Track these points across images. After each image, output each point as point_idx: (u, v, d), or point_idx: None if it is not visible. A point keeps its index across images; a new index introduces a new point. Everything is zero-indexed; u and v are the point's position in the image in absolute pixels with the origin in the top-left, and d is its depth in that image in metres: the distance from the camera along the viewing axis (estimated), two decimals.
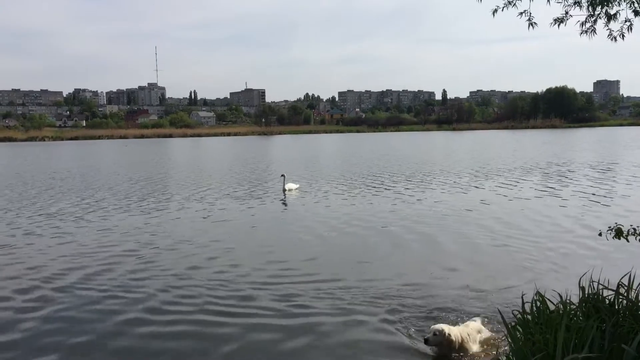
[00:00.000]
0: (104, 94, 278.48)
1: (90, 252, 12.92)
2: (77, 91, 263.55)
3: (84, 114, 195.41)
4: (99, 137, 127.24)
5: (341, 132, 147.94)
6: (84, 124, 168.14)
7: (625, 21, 6.66)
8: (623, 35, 6.81)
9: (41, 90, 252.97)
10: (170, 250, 12.97)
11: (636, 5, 6.52)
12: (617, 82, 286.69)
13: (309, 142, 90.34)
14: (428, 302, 8.82)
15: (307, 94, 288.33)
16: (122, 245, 13.66)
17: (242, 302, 9.16)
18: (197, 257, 12.28)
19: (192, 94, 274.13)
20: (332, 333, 7.72)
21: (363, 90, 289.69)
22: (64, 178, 32.38)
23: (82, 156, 60.57)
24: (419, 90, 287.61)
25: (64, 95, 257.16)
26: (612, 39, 6.85)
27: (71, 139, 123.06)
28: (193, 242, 13.80)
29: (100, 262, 11.89)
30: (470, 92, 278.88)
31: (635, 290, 5.53)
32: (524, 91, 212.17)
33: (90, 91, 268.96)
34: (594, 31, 6.76)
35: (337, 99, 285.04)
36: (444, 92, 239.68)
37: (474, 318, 7.46)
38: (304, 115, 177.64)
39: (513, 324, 5.67)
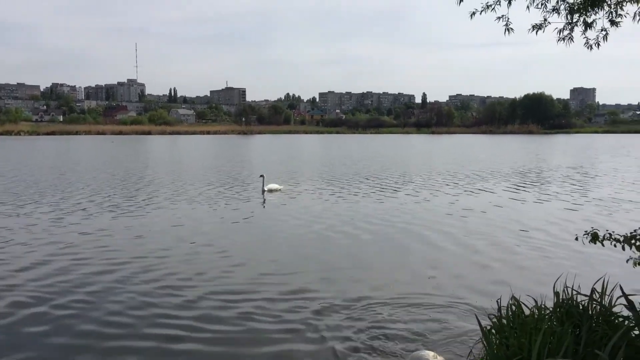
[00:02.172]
0: (82, 89, 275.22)
1: (72, 255, 12.66)
2: (54, 85, 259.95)
3: (61, 109, 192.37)
4: (76, 133, 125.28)
5: (321, 133, 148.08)
6: (61, 119, 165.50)
7: (602, 30, 6.77)
8: (599, 44, 6.92)
9: (18, 83, 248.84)
10: (137, 263, 12.50)
11: (613, 14, 6.63)
12: (593, 89, 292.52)
13: (290, 142, 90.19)
14: (404, 311, 8.77)
15: (287, 94, 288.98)
16: (88, 250, 13.39)
17: (202, 316, 9.00)
18: (162, 266, 12.06)
19: (172, 91, 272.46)
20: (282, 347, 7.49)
21: (344, 92, 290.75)
22: (43, 175, 31.80)
23: (70, 152, 59.52)
24: (399, 93, 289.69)
25: (41, 90, 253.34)
26: (588, 47, 6.96)
27: (47, 134, 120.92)
28: (162, 250, 13.48)
29: (78, 268, 11.65)
30: (450, 96, 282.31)
31: (609, 295, 5.60)
32: (502, 96, 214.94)
33: (68, 86, 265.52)
34: (572, 39, 6.86)
35: (317, 99, 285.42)
36: (424, 96, 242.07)
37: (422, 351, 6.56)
38: (284, 115, 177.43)
39: (489, 327, 5.70)
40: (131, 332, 7.93)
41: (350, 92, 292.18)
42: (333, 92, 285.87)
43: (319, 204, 20.09)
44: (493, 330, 5.64)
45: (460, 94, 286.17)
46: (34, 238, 13.96)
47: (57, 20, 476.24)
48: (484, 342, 5.49)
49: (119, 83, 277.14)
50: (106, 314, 8.61)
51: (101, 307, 8.88)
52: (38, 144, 79.34)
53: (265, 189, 22.92)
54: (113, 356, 7.18)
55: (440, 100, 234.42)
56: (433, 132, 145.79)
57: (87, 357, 7.14)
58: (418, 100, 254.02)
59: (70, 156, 51.22)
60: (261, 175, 23.70)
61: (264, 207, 19.86)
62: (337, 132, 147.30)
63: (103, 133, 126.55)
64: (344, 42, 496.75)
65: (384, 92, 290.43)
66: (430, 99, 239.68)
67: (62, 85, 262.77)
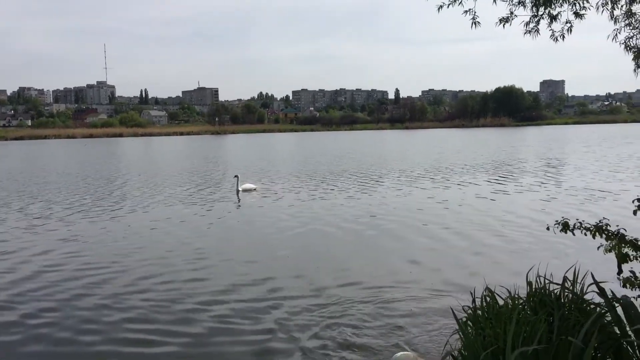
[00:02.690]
0: (51, 93, 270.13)
1: (48, 261, 12.42)
2: (21, 89, 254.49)
3: (29, 113, 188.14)
4: (45, 137, 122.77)
5: (295, 131, 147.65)
6: (30, 124, 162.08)
7: (566, 22, 6.87)
8: (564, 36, 7.03)
9: None
10: (112, 268, 12.19)
11: (577, 7, 6.73)
12: (562, 81, 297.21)
13: (264, 141, 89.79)
14: (377, 309, 8.74)
15: (260, 92, 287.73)
16: (66, 256, 13.16)
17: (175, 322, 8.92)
18: (137, 274, 11.88)
19: (143, 93, 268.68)
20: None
21: (317, 89, 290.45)
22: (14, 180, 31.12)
23: (45, 156, 58.25)
24: (372, 89, 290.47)
25: (8, 94, 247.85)
26: (553, 40, 7.07)
27: (16, 139, 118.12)
28: (136, 257, 13.28)
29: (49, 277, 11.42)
30: (422, 91, 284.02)
31: (580, 283, 5.69)
32: (474, 90, 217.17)
33: (36, 89, 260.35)
34: (537, 31, 6.96)
35: (291, 97, 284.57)
36: (397, 91, 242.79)
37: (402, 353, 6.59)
38: (257, 114, 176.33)
39: (464, 319, 5.74)
40: (106, 338, 7.82)
41: (324, 90, 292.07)
42: (306, 89, 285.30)
43: (295, 202, 20.06)
44: (469, 322, 5.69)
45: (433, 89, 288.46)
46: (11, 245, 13.67)
47: (22, 22, 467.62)
48: (460, 334, 5.53)
49: (88, 85, 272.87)
50: (85, 320, 8.49)
51: (79, 314, 8.75)
52: (8, 148, 77.62)
53: (240, 189, 22.79)
54: None
55: (413, 96, 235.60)
56: (407, 127, 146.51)
57: None
58: (391, 96, 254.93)
59: (45, 160, 50.14)
60: (235, 176, 23.58)
61: (238, 207, 19.75)
62: (312, 130, 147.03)
63: (73, 136, 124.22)
64: (316, 39, 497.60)
65: (357, 89, 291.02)
66: (403, 94, 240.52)
67: (29, 89, 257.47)
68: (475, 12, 6.81)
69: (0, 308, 9.04)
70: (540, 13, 6.78)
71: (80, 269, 11.33)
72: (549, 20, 6.83)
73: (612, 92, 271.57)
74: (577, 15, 6.73)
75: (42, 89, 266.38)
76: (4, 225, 16.54)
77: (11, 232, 15.49)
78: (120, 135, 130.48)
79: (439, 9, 6.87)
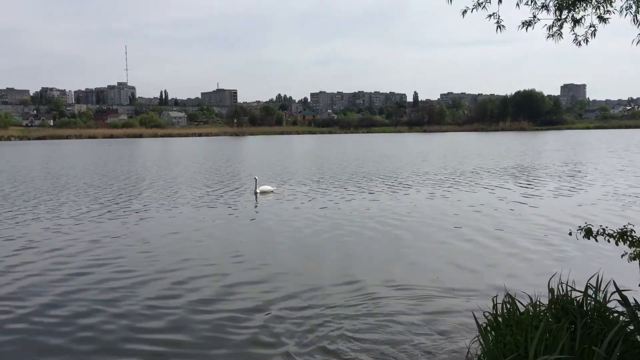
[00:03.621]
0: (73, 93, 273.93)
1: (59, 261, 12.59)
2: (44, 90, 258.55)
3: (51, 113, 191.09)
4: (67, 137, 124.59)
5: (313, 133, 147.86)
6: (52, 124, 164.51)
7: (590, 26, 6.78)
8: (587, 40, 6.94)
9: (7, 88, 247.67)
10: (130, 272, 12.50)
11: (602, 10, 6.64)
12: (584, 85, 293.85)
13: (282, 143, 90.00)
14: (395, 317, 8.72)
15: (279, 94, 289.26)
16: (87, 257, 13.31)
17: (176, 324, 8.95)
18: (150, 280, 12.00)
19: (163, 94, 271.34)
20: None
21: (335, 92, 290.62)
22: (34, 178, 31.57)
23: (71, 155, 59.07)
24: (390, 92, 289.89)
25: (31, 94, 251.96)
26: (577, 44, 6.98)
27: (38, 138, 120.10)
28: (154, 258, 13.43)
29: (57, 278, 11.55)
30: (441, 95, 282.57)
31: (603, 291, 5.60)
32: (494, 94, 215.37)
33: (58, 90, 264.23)
34: (560, 35, 6.87)
35: (309, 100, 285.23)
36: (415, 94, 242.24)
37: None
38: (276, 116, 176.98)
39: (485, 325, 5.69)
40: (127, 342, 7.90)
41: (342, 92, 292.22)
42: (324, 92, 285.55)
43: (312, 205, 20.01)
44: (489, 328, 5.63)
45: (452, 92, 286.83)
46: (41, 245, 13.87)
47: (45, 23, 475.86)
48: (481, 340, 5.48)
49: (109, 86, 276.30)
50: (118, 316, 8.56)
51: (106, 317, 8.84)
52: (32, 148, 78.78)
53: (258, 190, 22.83)
54: None
55: (431, 99, 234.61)
56: (425, 131, 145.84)
57: None
58: (410, 99, 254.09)
59: (71, 160, 50.79)
60: (254, 178, 23.64)
61: (255, 209, 19.75)
62: (330, 132, 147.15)
63: (94, 137, 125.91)
64: (335, 41, 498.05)
65: (375, 92, 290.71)
66: (421, 97, 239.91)
67: (52, 89, 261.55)
68: (499, 16, 6.75)
69: (28, 310, 9.17)
70: (563, 17, 6.69)
71: (107, 271, 11.43)
72: (572, 24, 6.74)
73: (635, 97, 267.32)
74: (601, 19, 6.64)
75: (64, 90, 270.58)
76: (33, 225, 16.77)
77: (40, 232, 15.65)
78: (140, 135, 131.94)
79: (463, 13, 6.80)
